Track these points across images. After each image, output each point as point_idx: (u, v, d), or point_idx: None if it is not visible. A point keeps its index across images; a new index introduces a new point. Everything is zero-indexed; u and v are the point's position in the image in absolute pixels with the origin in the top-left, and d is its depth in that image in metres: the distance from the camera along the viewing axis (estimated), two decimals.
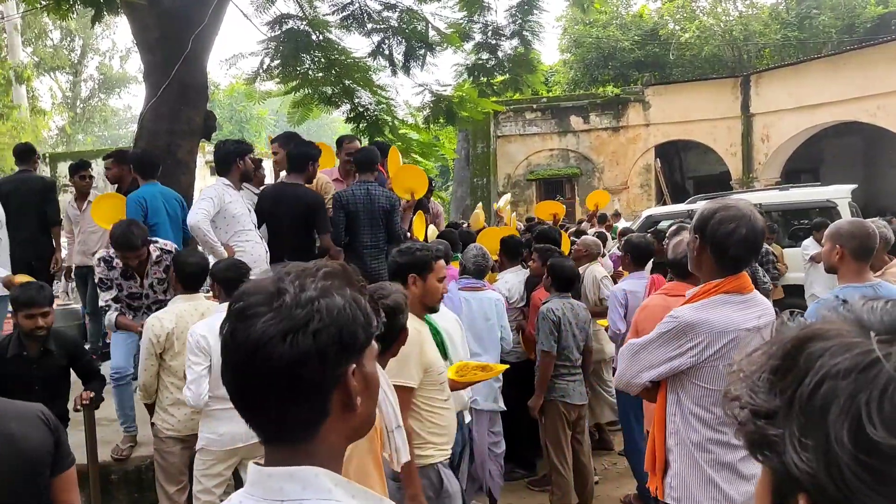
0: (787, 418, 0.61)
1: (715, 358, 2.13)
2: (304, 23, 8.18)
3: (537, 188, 19.17)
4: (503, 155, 19.22)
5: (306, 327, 0.90)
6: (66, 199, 7.44)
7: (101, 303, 4.39)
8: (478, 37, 9.42)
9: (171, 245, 4.46)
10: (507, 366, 4.04)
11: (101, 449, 4.23)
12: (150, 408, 3.97)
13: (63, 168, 13.52)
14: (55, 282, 6.87)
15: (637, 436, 4.57)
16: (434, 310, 3.09)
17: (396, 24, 8.68)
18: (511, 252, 5.53)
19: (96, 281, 4.43)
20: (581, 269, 5.70)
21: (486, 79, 9.66)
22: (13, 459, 1.88)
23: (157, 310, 4.03)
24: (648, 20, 22.32)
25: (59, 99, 30.08)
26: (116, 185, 6.17)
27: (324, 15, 8.54)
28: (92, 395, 3.88)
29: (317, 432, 0.95)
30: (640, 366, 2.26)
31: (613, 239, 9.66)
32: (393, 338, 2.43)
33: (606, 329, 5.03)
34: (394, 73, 8.91)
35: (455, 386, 3.29)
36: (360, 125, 8.81)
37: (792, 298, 7.89)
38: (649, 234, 5.71)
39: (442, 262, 3.02)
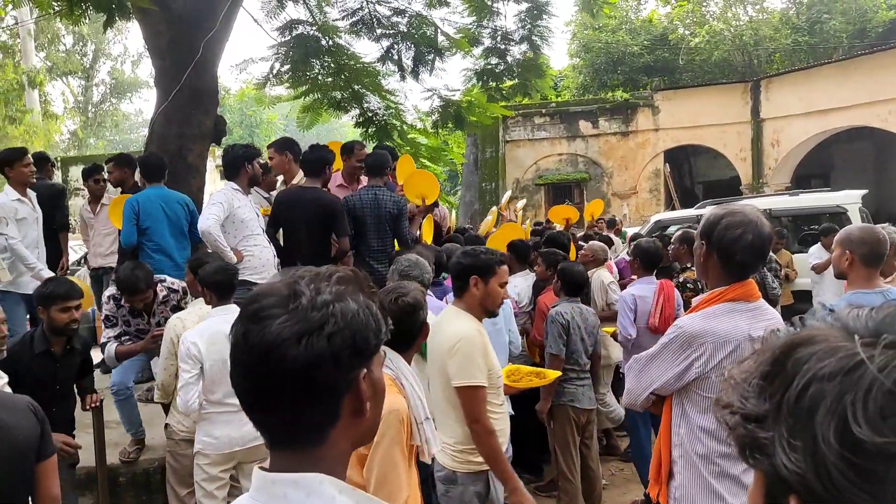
0: (776, 421, 0.63)
1: (721, 367, 2.10)
2: (314, 28, 8.23)
3: (546, 193, 19.15)
4: (512, 159, 19.22)
5: (321, 330, 0.90)
6: (78, 202, 7.51)
7: (102, 338, 4.30)
8: (487, 42, 9.45)
9: (178, 284, 4.47)
10: (560, 373, 4.03)
11: (109, 451, 4.26)
12: (167, 408, 3.99)
13: (75, 172, 13.63)
14: None
15: (644, 441, 4.56)
16: (493, 314, 3.08)
17: (405, 30, 8.72)
18: (520, 255, 5.53)
19: (102, 317, 4.40)
20: (588, 274, 5.70)
21: (495, 83, 9.68)
22: (4, 446, 2.03)
23: None
24: (658, 25, 22.27)
25: (71, 103, 30.34)
26: (119, 188, 6.22)
27: (333, 20, 8.59)
28: (102, 398, 3.91)
29: (326, 437, 0.95)
30: (648, 380, 2.24)
31: (623, 244, 9.62)
32: (415, 334, 2.47)
33: (612, 335, 5.02)
34: (402, 77, 8.94)
35: (508, 390, 3.29)
36: (369, 130, 8.85)
37: (801, 304, 7.84)
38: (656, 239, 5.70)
39: (505, 267, 3.00)
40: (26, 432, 2.12)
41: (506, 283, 3.00)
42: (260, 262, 4.74)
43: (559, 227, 8.63)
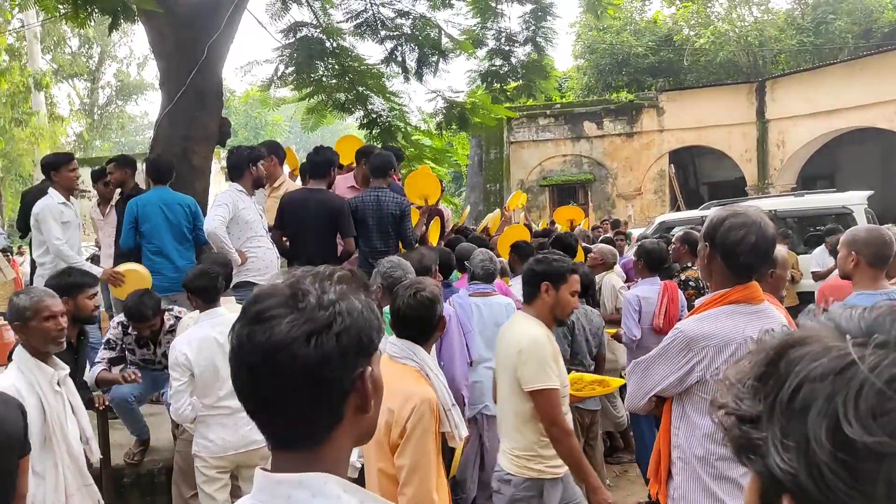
0: (769, 422, 0.64)
1: (722, 370, 2.10)
2: (318, 30, 8.25)
3: (550, 194, 19.14)
4: (516, 161, 19.21)
5: (329, 329, 0.91)
6: (84, 203, 7.52)
7: (97, 358, 4.21)
8: (491, 43, 9.44)
9: (185, 313, 4.42)
10: (623, 380, 4.01)
11: (114, 452, 4.27)
12: None
13: (81, 174, 13.63)
14: None
15: (648, 442, 4.54)
16: (563, 323, 3.08)
17: (409, 31, 8.73)
18: (523, 257, 5.52)
19: (104, 339, 4.34)
20: (598, 278, 5.70)
21: (499, 85, 9.67)
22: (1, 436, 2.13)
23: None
24: (663, 26, 22.25)
25: (76, 105, 30.46)
26: (119, 190, 6.24)
27: (337, 22, 8.61)
28: (107, 401, 3.91)
29: (330, 436, 0.95)
30: (650, 384, 2.23)
31: (628, 245, 9.61)
32: (433, 327, 2.52)
33: (613, 336, 5.02)
34: (406, 79, 8.95)
35: (572, 400, 3.29)
36: (374, 131, 8.87)
37: (806, 305, 7.80)
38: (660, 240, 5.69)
39: (577, 276, 2.99)
40: (16, 426, 2.19)
41: (577, 291, 2.98)
42: (263, 263, 4.75)
43: (560, 227, 8.64)
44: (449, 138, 11.21)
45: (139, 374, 4.00)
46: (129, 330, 4.25)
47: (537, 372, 2.76)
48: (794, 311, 7.32)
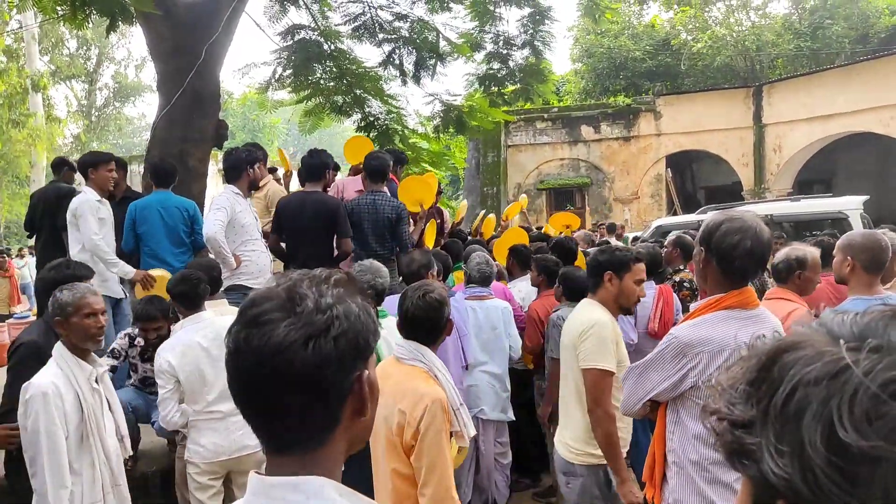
0: (763, 427, 0.64)
1: (716, 376, 2.09)
2: (316, 33, 8.27)
3: (547, 198, 19.16)
4: (513, 164, 19.23)
5: (327, 332, 0.90)
6: None
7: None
8: (489, 47, 9.47)
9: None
10: None
11: None
12: None
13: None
14: None
15: (643, 446, 4.54)
16: (629, 311, 3.11)
17: (407, 35, 8.75)
18: (522, 260, 5.53)
19: (109, 349, 4.31)
20: None
21: (496, 88, 9.70)
22: None
23: None
24: (660, 30, 22.32)
25: (74, 107, 30.46)
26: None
27: (336, 25, 8.64)
28: None
29: (326, 440, 0.95)
30: (644, 389, 2.23)
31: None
32: (441, 329, 2.55)
33: None
34: (404, 82, 8.97)
35: None
36: (371, 134, 8.87)
37: None
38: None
39: (642, 265, 3.02)
40: None
41: (642, 280, 3.01)
42: (257, 267, 4.75)
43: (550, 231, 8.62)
44: (446, 141, 11.23)
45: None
46: (136, 342, 4.24)
47: (594, 351, 2.81)
48: None
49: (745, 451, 0.65)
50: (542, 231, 8.92)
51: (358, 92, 8.67)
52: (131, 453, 3.02)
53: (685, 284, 5.14)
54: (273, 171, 6.81)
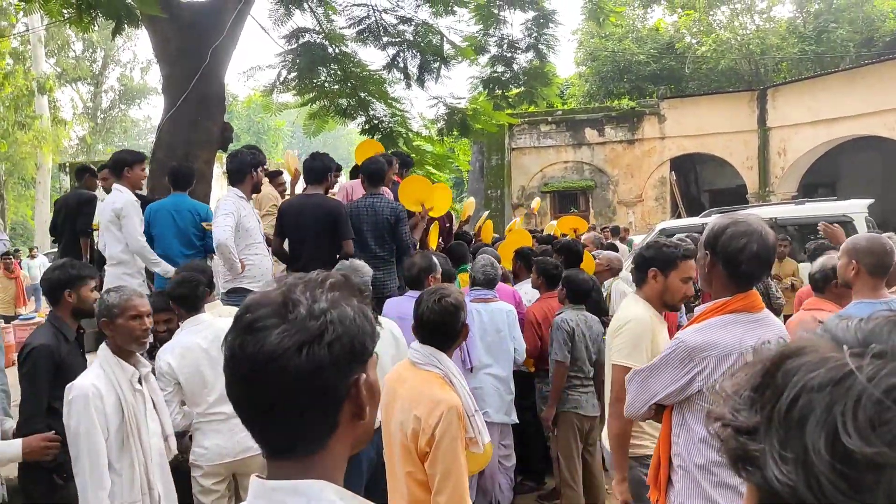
0: (767, 433, 0.63)
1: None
2: (321, 36, 8.29)
3: (552, 200, 19.14)
4: (518, 167, 19.23)
5: (321, 339, 0.90)
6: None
7: None
8: (493, 50, 9.49)
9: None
10: None
11: None
12: None
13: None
14: None
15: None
16: (675, 308, 3.07)
17: (411, 38, 8.77)
18: (528, 263, 5.54)
19: None
20: (606, 284, 5.70)
21: (501, 91, 9.71)
22: None
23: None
24: (665, 33, 22.31)
25: (80, 109, 30.55)
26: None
27: (340, 28, 8.65)
28: None
29: (325, 443, 0.95)
30: (650, 393, 2.23)
31: (630, 252, 9.61)
32: (457, 333, 2.53)
33: None
34: (408, 85, 8.99)
35: None
36: (375, 137, 8.88)
37: None
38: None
39: (691, 262, 2.90)
40: None
41: (689, 277, 2.92)
42: (259, 270, 4.76)
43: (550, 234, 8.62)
44: (450, 144, 11.25)
45: None
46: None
47: (624, 347, 2.79)
48: None
49: (749, 458, 0.64)
50: (543, 233, 8.93)
51: (362, 95, 8.70)
52: (176, 452, 3.02)
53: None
54: (278, 174, 6.83)
